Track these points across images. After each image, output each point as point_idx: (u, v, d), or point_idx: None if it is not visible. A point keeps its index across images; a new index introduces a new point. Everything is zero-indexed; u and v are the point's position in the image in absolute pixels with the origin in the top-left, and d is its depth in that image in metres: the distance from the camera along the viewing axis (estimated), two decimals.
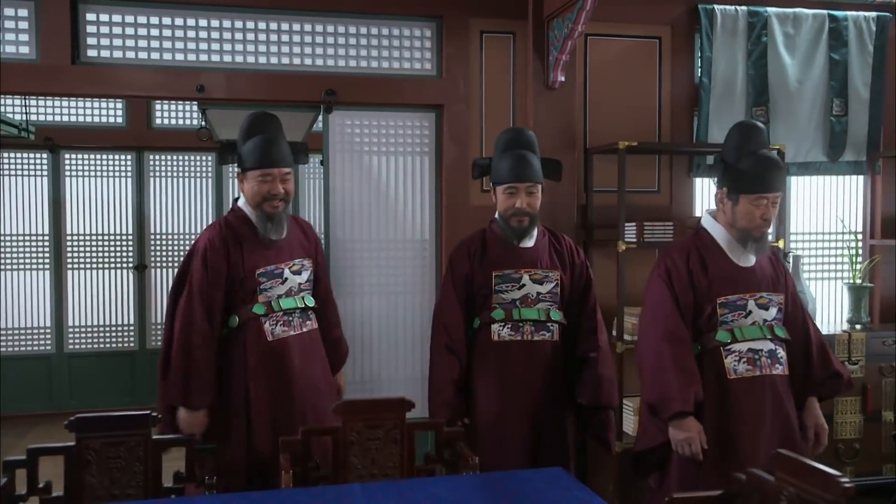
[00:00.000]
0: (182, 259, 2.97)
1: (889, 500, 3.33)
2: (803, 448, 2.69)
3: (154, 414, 2.37)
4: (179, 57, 3.73)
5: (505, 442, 2.94)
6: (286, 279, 2.93)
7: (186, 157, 6.22)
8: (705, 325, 2.69)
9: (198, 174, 6.26)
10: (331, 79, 3.84)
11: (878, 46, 4.32)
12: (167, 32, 3.70)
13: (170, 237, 6.23)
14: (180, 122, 6.14)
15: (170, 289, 2.96)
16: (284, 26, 3.83)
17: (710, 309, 2.67)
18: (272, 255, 2.92)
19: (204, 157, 6.25)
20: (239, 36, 3.78)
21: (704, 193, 4.39)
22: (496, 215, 3.13)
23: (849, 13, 4.28)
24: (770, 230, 2.78)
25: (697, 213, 4.30)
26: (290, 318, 2.93)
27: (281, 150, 2.88)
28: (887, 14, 4.33)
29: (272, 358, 2.88)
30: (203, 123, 5.11)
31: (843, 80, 4.29)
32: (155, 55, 3.70)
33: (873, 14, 4.32)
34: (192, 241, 6.11)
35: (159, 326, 6.21)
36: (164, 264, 6.22)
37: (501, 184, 3.04)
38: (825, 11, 4.26)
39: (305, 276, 3.01)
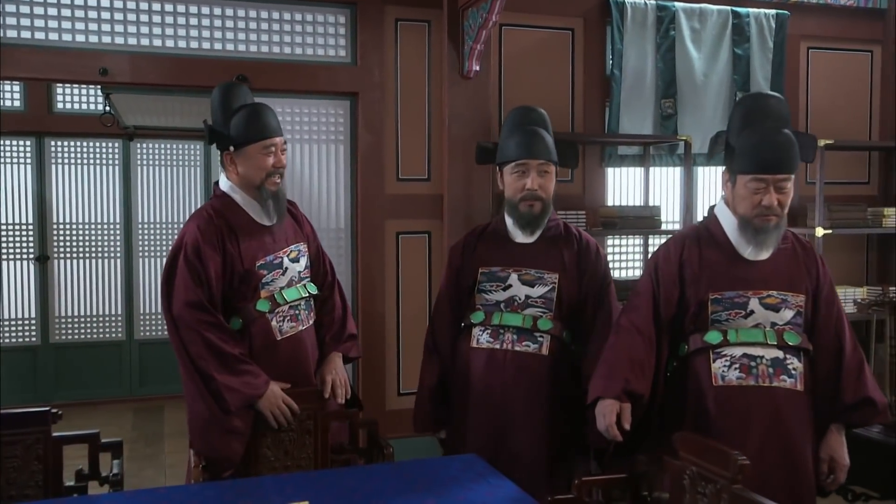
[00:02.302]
0: (166, 259, 2.55)
1: None
2: (814, 485, 2.27)
3: (54, 410, 2.27)
4: (80, 38, 3.56)
5: None
6: (286, 269, 2.59)
7: (91, 144, 5.96)
8: (691, 324, 2.29)
9: (103, 161, 6.02)
10: (242, 64, 3.75)
11: (777, 43, 4.50)
12: (66, 12, 3.53)
13: (74, 227, 5.96)
14: (84, 106, 5.88)
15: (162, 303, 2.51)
16: (193, 9, 3.71)
17: (696, 305, 2.27)
18: (269, 244, 2.56)
19: (110, 144, 6.01)
20: (144, 17, 3.65)
21: (616, 183, 4.50)
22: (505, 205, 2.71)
23: (750, 10, 4.45)
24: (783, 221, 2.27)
25: (609, 203, 4.40)
26: (297, 312, 2.59)
27: (274, 118, 2.57)
28: (785, 12, 4.52)
29: (285, 359, 2.53)
30: (107, 108, 4.91)
31: (745, 74, 4.45)
32: (53, 36, 3.52)
33: (773, 11, 4.50)
34: (94, 231, 6.01)
35: (64, 320, 5.96)
36: (69, 255, 5.96)
37: (509, 162, 2.61)
38: (728, 8, 4.41)
39: (303, 262, 2.67)
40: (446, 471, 2.17)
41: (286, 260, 2.60)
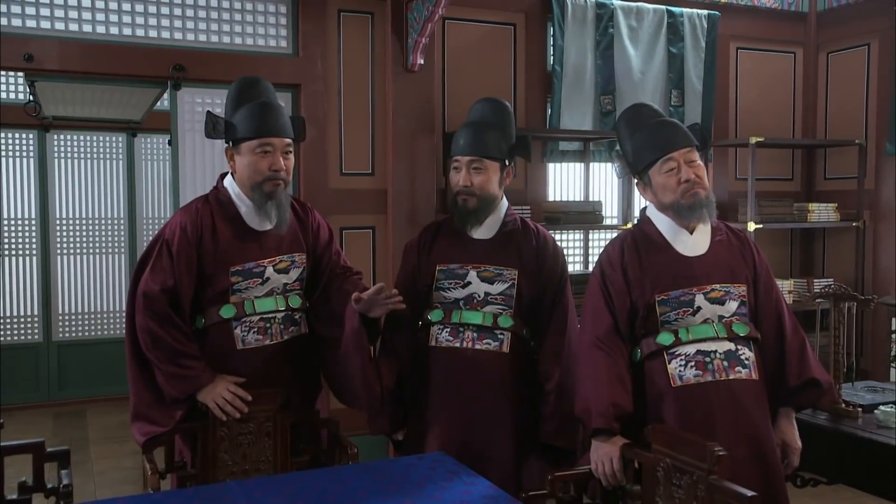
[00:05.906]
0: (146, 245, 2.46)
1: None
2: (782, 474, 2.27)
3: None
4: (3, 21, 3.35)
5: None
6: (267, 279, 2.44)
7: (9, 135, 5.63)
8: (642, 328, 2.28)
9: (16, 153, 5.69)
10: (179, 53, 3.60)
11: (709, 42, 4.64)
12: None
13: None
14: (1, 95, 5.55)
15: (129, 286, 2.45)
16: None
17: (645, 309, 2.26)
18: (253, 250, 2.42)
19: (23, 135, 5.69)
20: (73, 2, 3.45)
21: (557, 178, 4.54)
22: None
23: (684, 10, 4.56)
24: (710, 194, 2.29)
25: (551, 198, 4.44)
26: (268, 325, 2.44)
27: (282, 117, 2.45)
28: (716, 12, 4.65)
29: (242, 371, 2.39)
30: (30, 97, 4.64)
31: (679, 72, 4.57)
32: None
33: (705, 12, 4.63)
34: (7, 227, 5.66)
35: None
36: None
37: (450, 158, 2.66)
38: (664, 7, 4.51)
39: (295, 274, 2.50)
40: (417, 470, 2.13)
41: (270, 269, 2.45)
